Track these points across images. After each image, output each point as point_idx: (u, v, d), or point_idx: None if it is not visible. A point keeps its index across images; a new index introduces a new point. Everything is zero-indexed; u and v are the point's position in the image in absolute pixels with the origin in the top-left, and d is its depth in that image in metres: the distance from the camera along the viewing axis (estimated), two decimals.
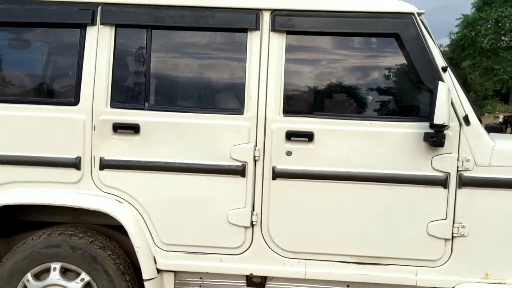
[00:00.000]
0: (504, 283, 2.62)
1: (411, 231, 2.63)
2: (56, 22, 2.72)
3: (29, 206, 2.78)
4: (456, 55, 34.62)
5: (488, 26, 31.01)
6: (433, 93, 2.44)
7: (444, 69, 2.55)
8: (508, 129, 25.81)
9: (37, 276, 2.71)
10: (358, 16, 2.63)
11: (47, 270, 2.70)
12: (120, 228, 2.77)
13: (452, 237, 2.62)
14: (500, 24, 30.74)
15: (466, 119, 2.56)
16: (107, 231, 2.86)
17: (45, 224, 2.88)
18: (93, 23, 2.69)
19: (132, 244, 2.72)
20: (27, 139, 2.70)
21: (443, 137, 2.50)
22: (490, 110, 34.80)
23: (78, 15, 2.69)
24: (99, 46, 2.69)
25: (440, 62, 2.57)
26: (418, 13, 2.61)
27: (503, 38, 31.60)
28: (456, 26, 32.43)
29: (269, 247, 2.70)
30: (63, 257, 2.68)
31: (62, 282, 2.68)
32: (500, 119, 26.66)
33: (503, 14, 29.76)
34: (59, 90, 2.87)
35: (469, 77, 36.62)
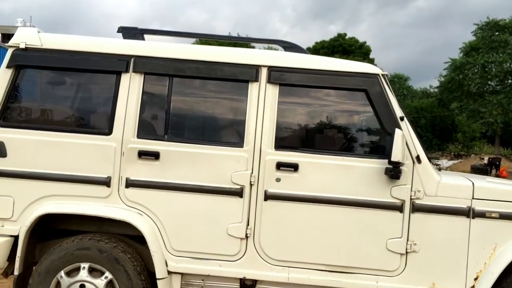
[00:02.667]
0: None
1: (373, 246, 3.13)
2: (97, 69, 3.30)
3: (61, 216, 3.24)
4: (445, 97, 35.13)
5: (475, 70, 31.42)
6: (391, 137, 3.02)
7: (401, 119, 3.15)
8: (493, 171, 26.27)
9: (68, 274, 3.14)
10: (335, 74, 3.23)
11: (77, 269, 3.14)
12: (136, 238, 3.25)
13: (406, 252, 3.11)
14: (486, 69, 31.07)
15: (418, 158, 3.14)
16: (126, 240, 3.30)
17: (71, 232, 3.31)
18: (127, 70, 3.26)
19: (146, 251, 3.18)
20: (68, 160, 3.21)
21: (399, 171, 3.07)
22: (477, 152, 34.99)
23: (115, 64, 3.27)
24: (130, 89, 3.25)
25: (398, 113, 3.17)
26: (382, 74, 3.24)
27: (489, 82, 31.97)
28: (445, 69, 32.94)
29: (260, 256, 3.18)
30: (91, 258, 3.14)
31: (90, 279, 3.12)
32: (485, 161, 27.11)
33: (489, 60, 30.20)
34: (96, 122, 3.41)
35: (457, 118, 37.12)
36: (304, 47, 3.41)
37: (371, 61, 39.35)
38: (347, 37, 41.48)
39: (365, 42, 41.70)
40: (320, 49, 40.01)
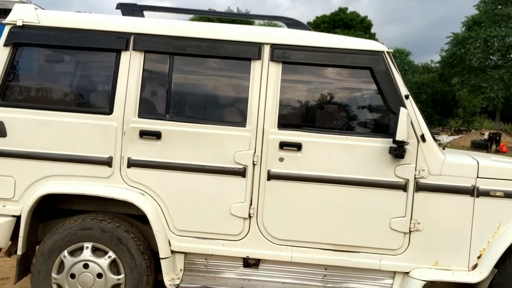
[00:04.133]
0: (449, 269, 3.14)
1: (377, 225, 3.13)
2: (97, 47, 3.24)
3: (63, 196, 3.23)
4: (446, 72, 34.97)
5: (477, 45, 31.19)
6: (396, 116, 3.00)
7: (407, 97, 3.12)
8: (493, 146, 26.33)
9: (72, 253, 3.14)
10: (340, 51, 3.17)
11: (81, 248, 3.14)
12: (139, 217, 3.24)
13: (410, 231, 3.12)
14: (489, 44, 30.85)
15: (423, 137, 3.12)
16: (129, 219, 3.30)
17: (74, 212, 3.31)
18: (126, 49, 3.21)
19: (149, 230, 3.18)
20: (69, 140, 3.18)
21: (404, 150, 3.04)
22: (477, 127, 35.01)
23: (115, 42, 3.22)
24: (130, 68, 3.19)
25: (404, 91, 3.13)
26: (387, 52, 3.18)
27: (491, 57, 31.76)
28: (446, 43, 32.66)
29: (263, 235, 3.19)
30: (95, 238, 3.14)
31: (93, 258, 3.12)
32: (486, 136, 27.13)
33: (492, 34, 29.96)
34: (96, 101, 3.37)
35: (458, 93, 37.02)
36: (305, 21, 3.33)
37: (373, 36, 39.00)
38: (348, 12, 40.98)
39: (366, 17, 41.28)
40: (321, 23, 39.61)
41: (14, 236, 3.24)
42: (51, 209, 3.40)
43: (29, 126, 3.20)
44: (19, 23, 3.22)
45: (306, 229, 3.19)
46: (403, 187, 3.12)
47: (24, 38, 3.24)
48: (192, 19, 26.05)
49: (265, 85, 3.19)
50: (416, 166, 3.11)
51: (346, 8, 41.27)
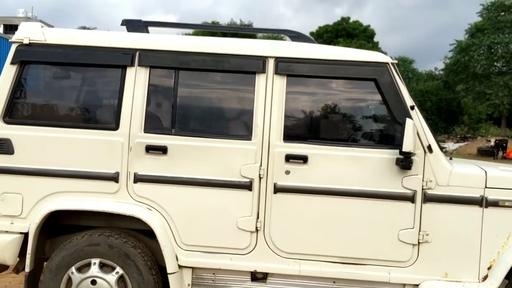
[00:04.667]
0: (460, 281, 3.10)
1: (385, 237, 3.11)
2: (102, 64, 3.27)
3: (70, 212, 3.23)
4: (450, 79, 34.92)
5: (481, 52, 31.17)
6: (402, 127, 2.99)
7: (412, 108, 3.11)
8: (500, 153, 26.18)
9: (79, 269, 3.14)
10: (344, 63, 3.17)
11: (88, 265, 3.13)
12: (146, 232, 3.24)
13: (418, 242, 3.09)
14: (492, 50, 30.85)
15: (429, 147, 3.11)
16: (136, 235, 3.29)
17: (81, 228, 3.31)
18: (132, 64, 3.23)
19: (156, 245, 3.17)
20: (76, 156, 3.19)
21: (411, 162, 3.03)
22: (483, 134, 34.89)
23: (120, 58, 3.24)
24: (136, 83, 3.21)
25: (409, 102, 3.12)
26: (392, 63, 3.19)
27: (495, 64, 31.76)
28: (450, 51, 32.65)
29: (270, 249, 3.17)
30: (102, 254, 3.14)
31: (101, 274, 3.11)
32: (492, 143, 27.01)
33: (495, 41, 29.96)
34: (103, 117, 3.39)
35: (463, 101, 36.92)
36: (308, 31, 3.36)
37: (375, 45, 39.08)
38: (350, 21, 41.14)
39: (369, 26, 41.39)
40: (324, 33, 39.75)
41: (22, 253, 3.24)
42: (59, 225, 3.39)
43: (36, 143, 3.22)
44: (26, 41, 3.26)
45: (313, 242, 3.17)
46: (411, 199, 3.10)
47: (30, 56, 3.27)
48: (196, 33, 26.28)
49: (270, 98, 3.20)
50: (423, 177, 3.10)
51: (349, 18, 41.46)
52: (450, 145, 30.58)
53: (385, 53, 3.25)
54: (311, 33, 40.83)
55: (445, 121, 38.24)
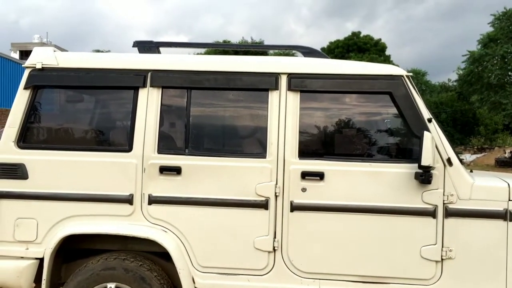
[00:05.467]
0: None
1: (407, 254, 3.02)
2: (115, 86, 3.27)
3: (85, 235, 3.20)
4: (464, 90, 34.56)
5: (495, 61, 30.85)
6: (420, 140, 2.93)
7: (430, 120, 3.05)
8: None
9: None
10: (358, 78, 3.13)
11: None
12: (161, 254, 3.19)
13: (442, 259, 3.00)
14: (506, 60, 30.50)
15: (449, 160, 3.03)
16: (151, 257, 3.25)
17: (96, 251, 3.27)
18: (144, 85, 3.23)
19: (172, 267, 3.12)
20: (90, 179, 3.17)
21: (431, 175, 2.95)
22: (500, 144, 34.40)
23: (132, 80, 3.24)
24: (148, 104, 3.21)
25: (426, 114, 3.06)
26: (406, 76, 3.14)
27: (509, 73, 31.37)
28: (463, 62, 32.38)
29: (289, 269, 3.10)
30: (118, 278, 3.10)
31: None
32: (506, 154, 26.60)
33: (509, 50, 29.65)
34: (116, 139, 3.37)
35: (478, 111, 36.51)
36: (320, 47, 3.32)
37: (387, 58, 39.01)
38: (361, 35, 41.19)
39: (380, 39, 41.36)
40: (335, 48, 39.80)
41: (38, 279, 3.21)
42: (74, 250, 3.37)
43: (50, 167, 3.21)
44: (39, 66, 3.28)
45: (333, 261, 3.09)
46: (432, 214, 3.02)
47: (43, 81, 3.29)
48: (207, 52, 26.46)
49: (283, 115, 3.16)
50: (444, 191, 3.02)
51: (360, 32, 41.47)
52: (467, 157, 30.14)
53: (398, 66, 3.19)
54: (322, 49, 40.90)
55: (461, 132, 37.81)
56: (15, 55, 40.82)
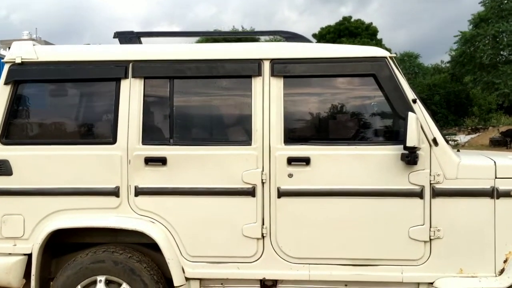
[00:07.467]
0: (476, 276, 3.00)
1: (395, 236, 3.03)
2: (96, 78, 3.22)
3: (73, 230, 3.18)
4: (457, 71, 34.57)
5: (486, 41, 30.79)
6: (405, 121, 2.90)
7: (414, 101, 3.03)
8: None
9: None
10: (341, 61, 3.11)
11: (94, 282, 3.10)
12: (151, 246, 3.18)
13: (430, 239, 3.01)
14: (498, 39, 30.40)
15: (435, 141, 3.02)
16: (141, 249, 3.24)
17: (85, 245, 3.26)
18: (126, 76, 3.19)
19: (162, 258, 3.12)
20: (75, 173, 3.15)
21: (416, 156, 2.95)
22: (494, 124, 34.51)
23: (113, 71, 3.20)
24: (131, 95, 3.17)
25: (410, 95, 3.04)
26: (390, 57, 3.11)
27: (501, 52, 31.27)
28: (455, 43, 32.32)
29: (278, 255, 3.11)
30: (107, 271, 3.09)
31: None
32: (496, 134, 26.70)
33: (500, 29, 29.57)
34: (100, 132, 3.34)
35: (471, 92, 36.54)
36: (311, 33, 3.26)
37: (379, 42, 38.89)
38: (352, 20, 41.02)
39: (371, 23, 41.20)
40: (326, 34, 39.66)
41: (28, 275, 3.20)
42: (63, 244, 3.35)
43: (34, 162, 3.18)
44: (18, 61, 3.23)
45: (322, 245, 3.09)
46: (419, 194, 3.01)
47: (23, 75, 3.24)
48: (199, 41, 26.26)
49: (268, 101, 3.14)
50: (430, 172, 3.01)
51: (350, 17, 41.29)
52: (462, 137, 30.24)
53: (389, 50, 3.17)
54: (314, 35, 40.74)
55: (455, 113, 37.90)
56: (5, 52, 40.46)
